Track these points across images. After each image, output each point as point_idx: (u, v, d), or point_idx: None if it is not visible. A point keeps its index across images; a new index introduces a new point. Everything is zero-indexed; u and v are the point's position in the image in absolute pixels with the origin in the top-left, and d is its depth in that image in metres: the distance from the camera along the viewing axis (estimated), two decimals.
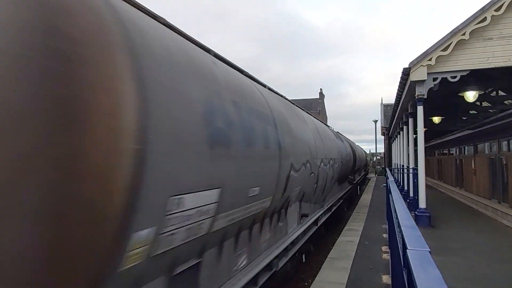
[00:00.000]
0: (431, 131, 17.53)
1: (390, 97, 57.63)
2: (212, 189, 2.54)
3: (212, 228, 2.73)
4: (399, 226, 1.79)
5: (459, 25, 8.22)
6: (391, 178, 5.12)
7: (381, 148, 46.81)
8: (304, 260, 7.15)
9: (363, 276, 5.46)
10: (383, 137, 36.10)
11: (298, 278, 7.18)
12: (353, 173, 17.62)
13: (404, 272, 1.28)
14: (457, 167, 15.81)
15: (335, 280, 5.27)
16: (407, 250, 1.01)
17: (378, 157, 50.62)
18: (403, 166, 15.36)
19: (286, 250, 5.19)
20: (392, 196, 2.11)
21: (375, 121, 40.01)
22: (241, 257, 3.71)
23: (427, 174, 17.73)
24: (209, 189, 2.49)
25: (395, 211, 2.10)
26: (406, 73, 8.77)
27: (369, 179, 32.11)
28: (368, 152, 49.20)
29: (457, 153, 16.26)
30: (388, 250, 6.72)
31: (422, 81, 8.51)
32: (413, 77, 8.52)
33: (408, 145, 13.34)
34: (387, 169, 10.46)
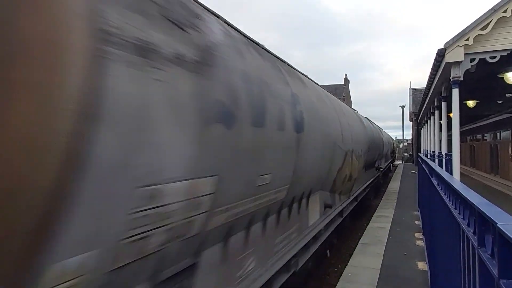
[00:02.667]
0: (463, 116, 16.77)
1: (416, 82, 55.64)
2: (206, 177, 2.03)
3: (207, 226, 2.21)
4: (461, 203, 1.71)
5: (500, 2, 7.74)
6: (431, 163, 4.92)
7: (408, 135, 45.60)
8: (328, 255, 6.76)
9: (397, 262, 5.38)
10: (411, 123, 35.04)
11: (328, 263, 7.17)
12: (380, 159, 17.25)
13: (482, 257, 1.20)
14: (492, 153, 15.17)
15: (369, 265, 5.21)
16: (497, 225, 0.95)
17: (406, 144, 49.34)
18: (433, 152, 14.88)
19: (306, 246, 4.52)
20: (449, 182, 2.00)
21: (403, 107, 38.93)
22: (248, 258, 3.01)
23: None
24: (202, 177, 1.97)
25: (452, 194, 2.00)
26: (441, 54, 8.38)
27: (396, 166, 31.43)
28: (394, 138, 48.02)
29: (492, 139, 15.57)
30: (422, 237, 6.57)
31: (459, 62, 8.11)
32: (449, 58, 8.13)
33: (440, 131, 12.89)
34: (420, 155, 10.14)
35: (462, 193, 1.58)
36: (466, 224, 1.53)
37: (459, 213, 1.70)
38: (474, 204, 1.29)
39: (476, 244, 1.28)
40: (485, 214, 1.14)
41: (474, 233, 1.34)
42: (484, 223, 1.21)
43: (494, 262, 1.09)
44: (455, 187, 1.78)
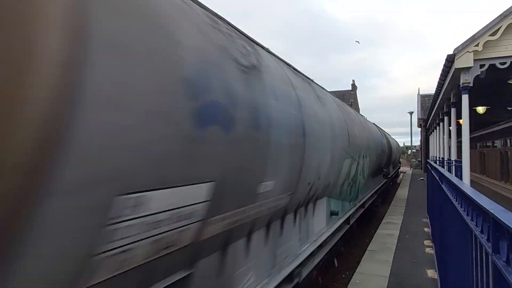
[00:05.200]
0: (472, 122, 16.56)
1: (423, 88, 55.33)
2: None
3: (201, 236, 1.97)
4: (475, 211, 1.68)
5: (509, 7, 7.69)
6: (442, 170, 4.86)
7: (416, 141, 45.22)
8: (336, 265, 6.27)
9: (406, 269, 5.30)
10: (419, 129, 34.73)
11: (335, 270, 7.09)
12: (388, 165, 17.01)
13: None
14: (502, 160, 14.95)
15: (377, 272, 5.15)
16: None
17: (414, 150, 48.92)
18: (443, 158, 14.72)
19: (312, 255, 4.17)
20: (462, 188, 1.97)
21: (411, 113, 38.62)
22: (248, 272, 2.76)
23: None
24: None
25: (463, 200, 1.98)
26: (450, 60, 8.33)
27: (404, 173, 31.13)
28: (402, 145, 47.68)
29: (502, 145, 15.36)
30: (431, 244, 6.48)
31: (468, 68, 8.05)
32: (458, 64, 8.08)
33: (450, 137, 12.76)
34: (429, 161, 9.93)
35: (475, 199, 1.56)
36: (479, 230, 1.51)
37: (472, 220, 1.67)
38: (489, 210, 1.27)
39: (490, 250, 1.26)
40: (500, 220, 1.12)
41: (488, 239, 1.32)
42: (498, 229, 1.19)
43: (509, 269, 1.07)
44: (468, 193, 1.76)
